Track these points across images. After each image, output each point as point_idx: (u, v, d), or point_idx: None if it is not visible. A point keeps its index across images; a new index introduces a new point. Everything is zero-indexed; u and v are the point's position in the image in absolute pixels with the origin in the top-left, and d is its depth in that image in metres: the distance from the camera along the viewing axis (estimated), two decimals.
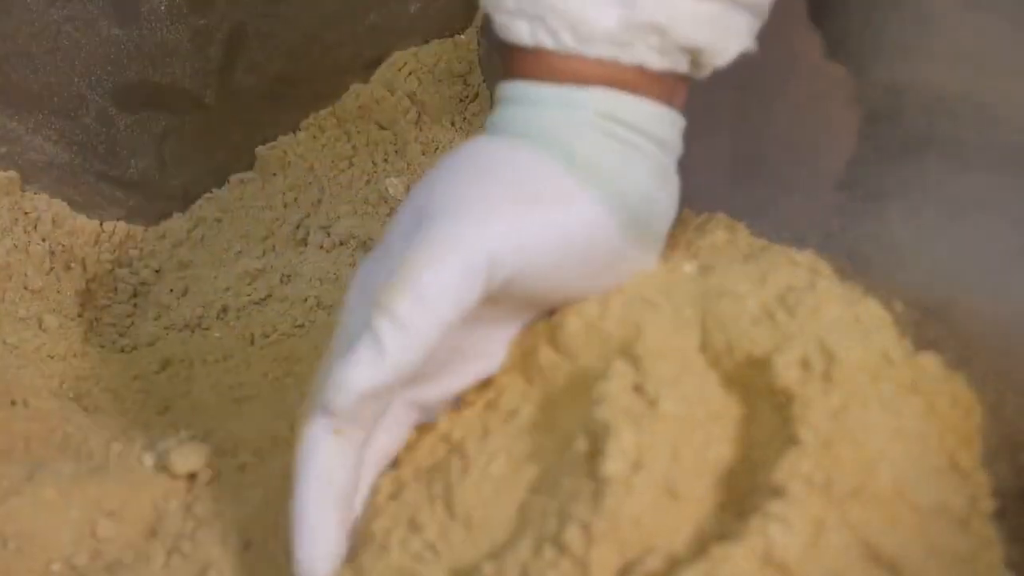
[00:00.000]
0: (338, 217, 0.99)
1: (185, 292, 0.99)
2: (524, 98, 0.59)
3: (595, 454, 0.53)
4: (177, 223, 1.04)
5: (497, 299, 0.57)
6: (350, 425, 0.56)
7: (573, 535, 0.51)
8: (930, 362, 0.57)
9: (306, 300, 0.92)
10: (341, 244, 0.97)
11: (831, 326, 0.56)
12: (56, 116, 0.99)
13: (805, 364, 0.54)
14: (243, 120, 1.05)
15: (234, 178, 1.04)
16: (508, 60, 0.59)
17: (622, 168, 0.57)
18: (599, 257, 0.58)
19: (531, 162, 0.57)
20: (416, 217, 0.56)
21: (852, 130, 0.70)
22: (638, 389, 0.54)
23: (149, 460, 0.71)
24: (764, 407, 0.56)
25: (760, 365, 0.56)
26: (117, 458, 0.72)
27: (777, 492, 0.51)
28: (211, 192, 1.05)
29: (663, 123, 0.59)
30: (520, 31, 0.57)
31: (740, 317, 0.57)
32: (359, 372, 0.54)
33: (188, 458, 0.70)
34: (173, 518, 0.69)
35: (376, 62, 1.06)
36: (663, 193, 0.59)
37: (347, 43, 1.05)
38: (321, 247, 0.97)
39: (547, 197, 0.56)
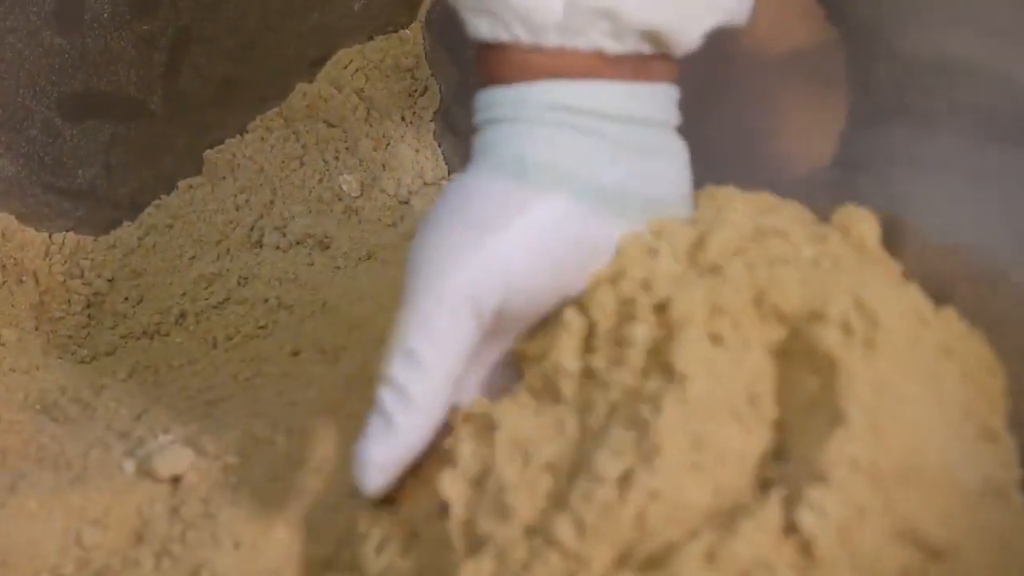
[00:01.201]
0: (292, 217, 0.99)
1: (140, 300, 0.98)
2: (487, 108, 0.60)
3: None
4: (127, 232, 1.03)
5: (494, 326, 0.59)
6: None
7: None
8: (952, 316, 0.59)
9: (266, 301, 0.92)
10: (297, 244, 0.97)
11: (866, 282, 0.57)
12: (1, 129, 0.98)
13: (846, 327, 0.55)
14: (189, 125, 1.04)
15: (183, 183, 1.03)
16: (482, 63, 0.60)
17: (579, 157, 0.58)
18: (580, 248, 0.58)
19: (486, 188, 0.58)
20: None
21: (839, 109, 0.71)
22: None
23: (130, 466, 0.71)
24: (803, 369, 0.56)
25: (799, 323, 0.57)
26: (97, 466, 0.72)
27: (820, 477, 0.51)
28: (160, 199, 1.04)
29: (632, 100, 0.59)
30: (481, 27, 0.58)
31: (783, 274, 0.58)
32: (375, 450, 0.57)
33: (171, 461, 0.70)
34: (159, 522, 0.69)
35: (321, 61, 1.06)
36: (642, 166, 0.59)
37: (291, 43, 1.05)
38: (277, 248, 0.97)
39: (499, 219, 0.57)
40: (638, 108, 0.59)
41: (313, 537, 0.65)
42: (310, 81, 1.05)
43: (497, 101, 0.59)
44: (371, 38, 1.08)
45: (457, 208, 0.58)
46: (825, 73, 0.74)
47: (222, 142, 1.03)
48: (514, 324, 0.60)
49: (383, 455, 0.57)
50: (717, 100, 0.80)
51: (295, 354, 0.84)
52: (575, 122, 0.58)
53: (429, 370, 0.56)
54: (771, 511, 0.51)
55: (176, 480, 0.70)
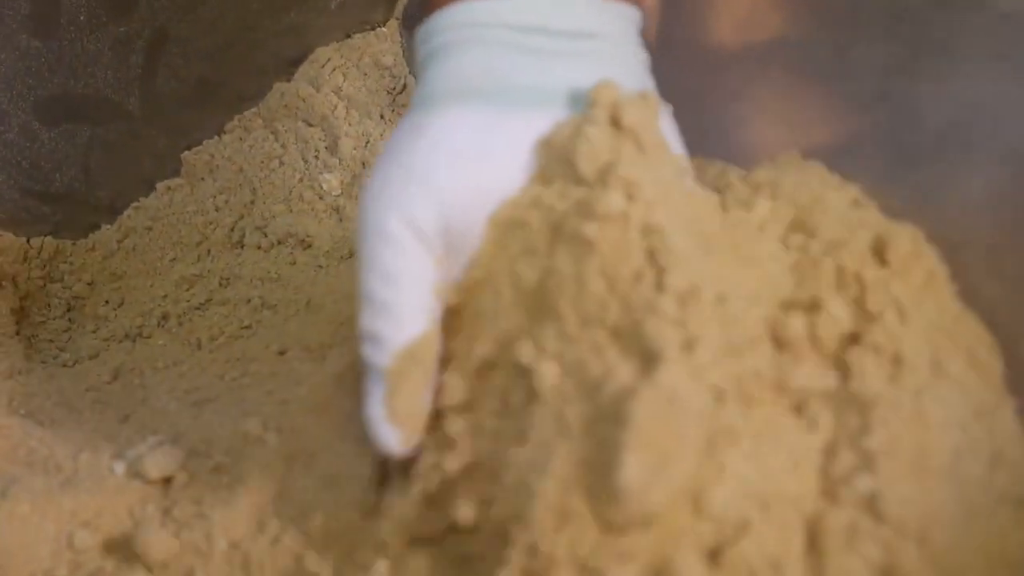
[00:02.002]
0: (273, 217, 0.99)
1: (121, 303, 0.98)
2: (420, 45, 0.61)
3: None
4: (106, 234, 1.03)
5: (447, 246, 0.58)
6: None
7: None
8: (948, 297, 0.61)
9: (249, 301, 0.92)
10: (279, 243, 0.96)
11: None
12: None
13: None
14: (167, 126, 1.04)
15: (161, 185, 1.03)
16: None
17: (487, 67, 0.59)
18: (500, 149, 0.58)
19: (403, 122, 0.60)
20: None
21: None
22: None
23: (120, 468, 0.71)
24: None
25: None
26: (86, 469, 0.72)
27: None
28: (139, 201, 1.04)
29: (556, 11, 0.60)
30: None
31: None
32: (374, 407, 0.58)
33: (161, 463, 0.70)
34: (151, 523, 0.68)
35: (298, 60, 1.06)
36: (569, 69, 0.59)
37: (268, 42, 1.04)
38: (259, 248, 0.97)
39: (412, 144, 0.58)
40: (564, 20, 0.60)
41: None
42: (288, 80, 1.05)
43: (420, 37, 0.61)
44: (348, 36, 1.08)
45: (383, 154, 0.59)
46: (800, 63, 0.74)
47: (200, 143, 1.03)
48: (467, 237, 0.59)
49: (384, 409, 0.57)
50: (691, 92, 0.80)
51: (281, 353, 0.84)
52: (491, 36, 0.59)
53: (393, 309, 0.56)
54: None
55: (167, 481, 0.70)
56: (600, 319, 0.53)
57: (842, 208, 0.64)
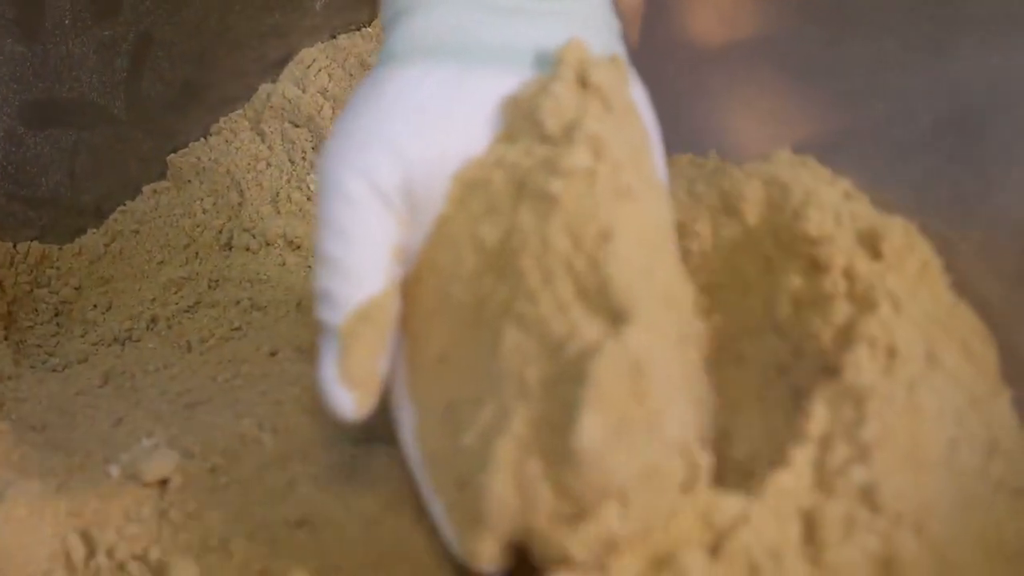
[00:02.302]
0: (261, 218, 0.99)
1: (109, 307, 0.98)
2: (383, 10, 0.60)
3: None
4: (93, 239, 1.03)
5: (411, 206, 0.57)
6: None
7: None
8: (942, 289, 0.61)
9: (239, 303, 0.92)
10: (268, 245, 0.96)
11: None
12: None
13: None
14: (153, 129, 1.04)
15: (148, 189, 1.03)
16: None
17: (450, 25, 0.58)
18: (463, 107, 0.58)
19: (364, 81, 0.59)
20: None
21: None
22: None
23: (115, 471, 0.71)
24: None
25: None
26: (81, 472, 0.72)
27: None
28: (125, 205, 1.04)
29: None
30: None
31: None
32: (327, 369, 0.56)
33: (157, 465, 0.70)
34: (148, 526, 0.68)
35: (284, 61, 1.06)
36: (534, 27, 0.59)
37: (253, 44, 1.04)
38: (247, 249, 0.97)
39: (372, 100, 0.57)
40: None
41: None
42: (273, 81, 1.05)
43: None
44: (334, 36, 1.08)
45: (344, 111, 0.59)
46: (788, 58, 0.74)
47: (186, 146, 1.03)
48: (431, 198, 0.58)
49: (337, 370, 0.55)
50: (680, 89, 0.80)
51: (272, 354, 0.84)
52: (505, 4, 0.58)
53: (349, 268, 0.55)
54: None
55: (163, 483, 0.70)
56: (565, 277, 0.52)
57: (835, 202, 0.64)
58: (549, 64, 0.57)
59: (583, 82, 0.56)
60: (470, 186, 0.57)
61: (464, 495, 0.53)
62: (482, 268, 0.55)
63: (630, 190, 0.54)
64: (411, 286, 0.58)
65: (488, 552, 0.51)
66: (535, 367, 0.51)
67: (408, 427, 0.58)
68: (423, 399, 0.57)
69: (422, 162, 0.56)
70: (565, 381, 0.50)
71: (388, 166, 0.55)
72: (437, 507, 0.55)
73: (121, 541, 0.67)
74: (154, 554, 0.67)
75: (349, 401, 0.56)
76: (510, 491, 0.50)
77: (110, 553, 0.67)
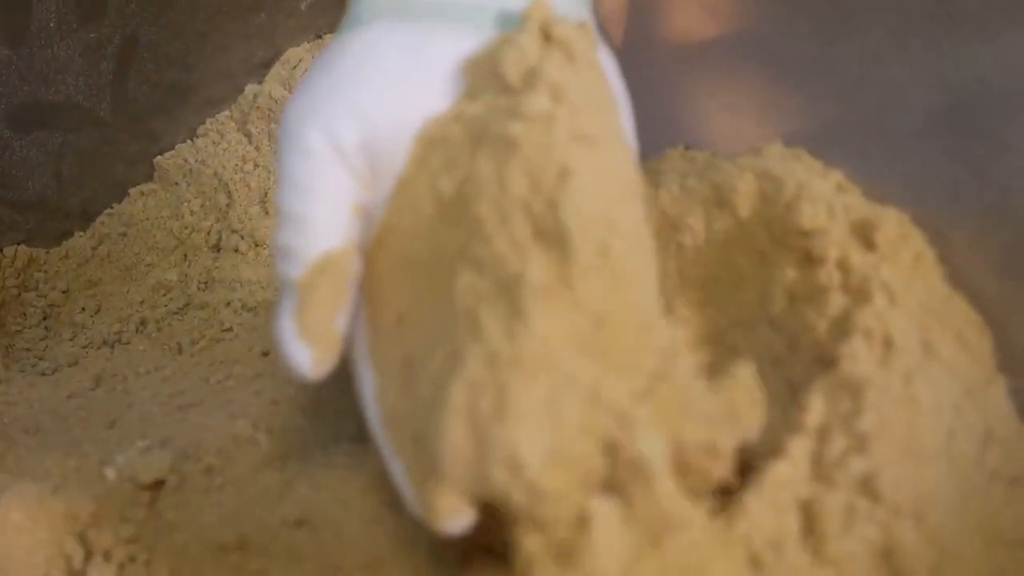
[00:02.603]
0: (250, 219, 0.98)
1: (98, 310, 0.97)
2: None
3: None
4: (80, 242, 1.03)
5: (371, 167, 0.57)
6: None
7: None
8: (937, 281, 0.61)
9: (229, 304, 0.91)
10: (257, 246, 0.96)
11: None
12: None
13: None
14: (139, 131, 1.03)
15: (135, 191, 1.03)
16: None
17: (475, 3, 0.58)
18: (423, 65, 0.58)
19: (331, 42, 0.59)
20: None
21: None
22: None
23: (111, 473, 0.71)
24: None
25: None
26: (77, 475, 0.71)
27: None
28: (112, 207, 1.03)
29: None
30: None
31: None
32: (286, 323, 0.55)
33: (152, 466, 0.70)
34: (144, 527, 0.68)
35: (269, 62, 1.06)
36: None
37: (238, 45, 1.04)
38: (236, 251, 0.96)
39: (334, 58, 0.57)
40: None
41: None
42: (259, 82, 1.05)
43: None
44: (319, 36, 1.08)
45: (308, 71, 0.59)
46: (779, 51, 0.74)
47: (173, 147, 1.03)
48: (393, 158, 0.57)
49: (294, 323, 0.55)
50: (649, 85, 0.80)
51: (265, 354, 0.84)
52: None
53: (308, 224, 0.55)
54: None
55: (158, 484, 0.70)
56: (521, 219, 0.51)
57: (827, 194, 0.65)
58: (514, 26, 0.57)
59: (547, 36, 0.56)
60: (430, 144, 0.56)
61: (421, 449, 0.52)
62: (440, 221, 0.55)
63: (591, 137, 0.53)
64: (373, 251, 0.58)
65: (446, 506, 0.51)
66: (488, 306, 0.51)
67: (369, 392, 0.57)
68: (382, 361, 0.56)
69: (384, 122, 0.56)
70: (518, 318, 0.50)
71: (349, 125, 0.55)
72: (397, 468, 0.55)
73: (118, 543, 0.67)
74: (150, 556, 0.67)
75: (306, 358, 0.55)
76: (464, 436, 0.49)
77: (107, 555, 0.67)
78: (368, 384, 0.57)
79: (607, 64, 0.61)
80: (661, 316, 0.55)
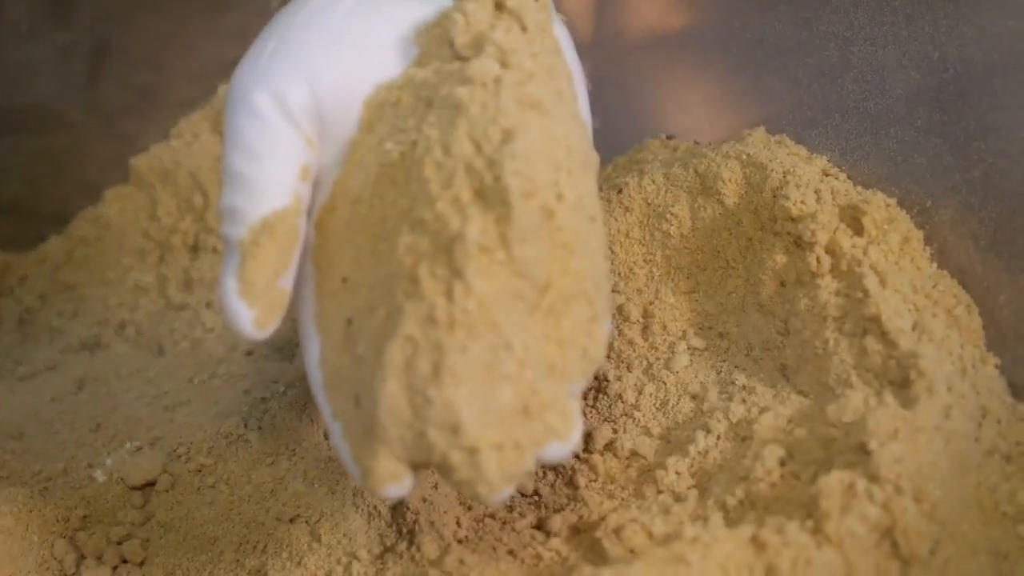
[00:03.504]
0: None
1: (75, 314, 0.97)
2: None
3: None
4: (55, 245, 1.02)
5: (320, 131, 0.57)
6: None
7: None
8: (923, 260, 0.62)
9: (209, 305, 0.91)
10: None
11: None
12: None
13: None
14: (113, 134, 1.03)
15: (109, 193, 1.01)
16: None
17: None
18: (374, 28, 0.58)
19: (321, 1, 0.58)
20: None
21: None
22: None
23: (100, 476, 0.70)
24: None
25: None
26: (64, 477, 0.71)
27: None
28: (87, 210, 1.02)
29: None
30: None
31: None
32: (230, 281, 0.54)
33: (143, 467, 0.70)
34: (136, 528, 0.68)
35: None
36: None
37: (210, 45, 1.04)
38: (214, 251, 0.96)
39: (286, 20, 0.57)
40: None
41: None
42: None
43: None
44: None
45: (260, 34, 0.58)
46: (759, 37, 0.74)
47: (147, 149, 1.02)
48: (343, 122, 0.57)
49: (237, 281, 0.54)
50: (627, 77, 0.81)
51: (249, 354, 0.84)
52: None
53: (254, 184, 0.54)
54: None
55: (150, 485, 0.70)
56: (463, 179, 0.51)
57: (814, 179, 0.65)
58: None
59: (499, 5, 0.56)
60: (379, 108, 0.56)
61: (360, 410, 0.52)
62: (385, 184, 0.55)
63: (539, 103, 0.53)
64: (324, 217, 0.57)
65: (384, 469, 0.50)
66: (427, 265, 0.50)
67: (312, 358, 0.56)
68: (325, 324, 0.56)
69: (332, 84, 0.56)
70: (455, 277, 0.50)
71: (296, 85, 0.55)
72: (337, 431, 0.54)
73: (110, 545, 0.67)
74: (145, 557, 0.67)
75: (248, 317, 0.54)
76: (402, 396, 0.50)
77: (99, 557, 0.67)
78: (312, 350, 0.56)
79: (563, 38, 0.61)
80: (610, 294, 0.55)
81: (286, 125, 0.55)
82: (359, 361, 0.52)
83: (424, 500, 0.64)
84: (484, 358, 0.49)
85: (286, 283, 0.56)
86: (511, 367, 0.50)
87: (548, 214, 0.51)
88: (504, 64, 0.54)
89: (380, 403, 0.50)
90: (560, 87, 0.56)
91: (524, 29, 0.56)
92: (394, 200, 0.54)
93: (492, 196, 0.50)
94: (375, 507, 0.65)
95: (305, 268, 0.57)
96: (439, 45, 0.57)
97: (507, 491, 0.50)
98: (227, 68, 1.03)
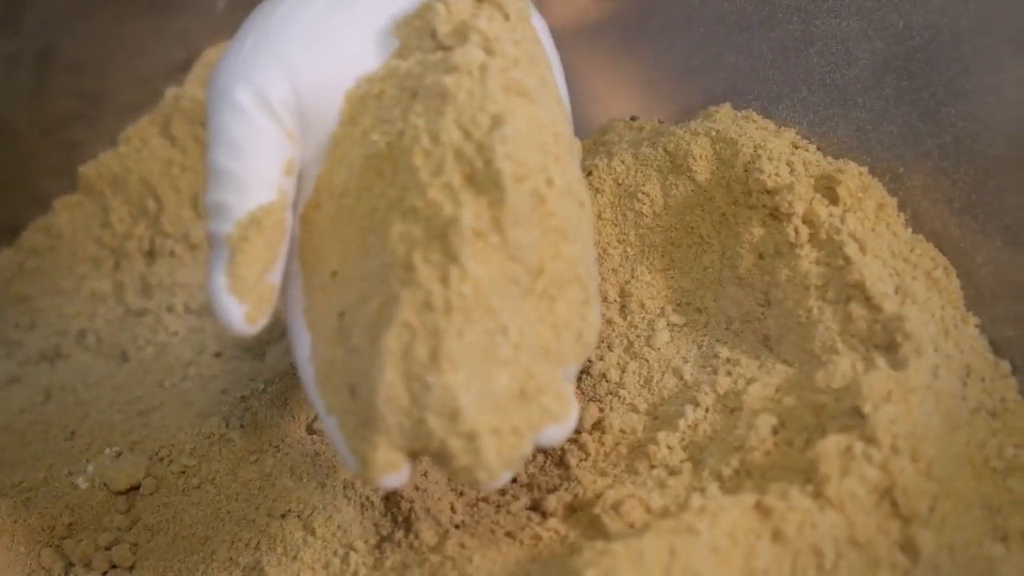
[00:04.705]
0: (183, 222, 0.97)
1: (32, 325, 0.95)
2: None
3: None
4: (6, 257, 1.01)
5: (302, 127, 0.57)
6: None
7: None
8: (899, 226, 0.63)
9: (171, 309, 0.90)
10: (193, 248, 0.95)
11: None
12: None
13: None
14: (60, 142, 1.02)
15: (59, 202, 1.00)
16: None
17: None
18: (353, 25, 0.58)
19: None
20: None
21: None
22: None
23: (83, 482, 0.70)
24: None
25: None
26: (47, 486, 0.71)
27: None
28: (36, 220, 1.01)
29: None
30: None
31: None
32: (218, 277, 0.54)
33: (126, 472, 0.69)
34: (123, 533, 0.68)
35: (188, 64, 1.04)
36: None
37: (156, 49, 1.03)
38: (172, 255, 0.95)
39: (264, 17, 0.58)
40: None
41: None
42: (179, 85, 1.04)
43: None
44: None
45: (239, 29, 0.59)
46: (720, 14, 0.75)
47: (96, 156, 1.01)
48: (324, 116, 0.57)
49: (226, 277, 0.54)
50: (588, 61, 0.81)
51: (218, 355, 0.83)
52: None
53: (239, 180, 0.55)
54: None
55: (134, 489, 0.69)
56: (453, 165, 0.52)
57: (785, 152, 0.66)
58: None
59: None
60: (361, 101, 0.57)
61: (356, 401, 0.52)
62: (372, 176, 0.55)
63: (526, 90, 0.54)
64: (309, 213, 0.58)
65: (382, 458, 0.51)
66: (422, 252, 0.51)
67: (303, 354, 0.56)
68: (316, 319, 0.56)
69: (313, 78, 0.56)
70: (455, 261, 0.50)
71: (277, 79, 0.55)
72: (331, 425, 0.54)
73: (97, 551, 0.67)
74: (133, 561, 0.67)
75: (239, 312, 0.54)
76: (399, 383, 0.50)
77: (88, 564, 0.66)
78: (303, 346, 0.57)
79: (540, 27, 0.62)
80: (598, 280, 0.56)
81: (268, 120, 0.55)
82: (354, 352, 0.53)
83: (417, 488, 0.64)
84: (481, 342, 0.50)
85: (275, 278, 0.56)
86: (507, 351, 0.50)
87: (540, 199, 0.51)
88: (489, 52, 0.54)
89: (378, 391, 0.50)
90: (543, 74, 0.57)
91: (506, 17, 0.56)
92: (382, 191, 0.54)
93: (484, 181, 0.51)
94: (367, 498, 0.65)
95: (291, 265, 0.58)
96: (420, 36, 0.57)
97: (506, 477, 0.51)
98: (174, 71, 1.04)
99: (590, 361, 0.68)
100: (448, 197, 0.51)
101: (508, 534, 0.60)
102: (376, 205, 0.54)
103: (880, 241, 0.62)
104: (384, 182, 0.54)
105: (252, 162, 0.55)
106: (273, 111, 0.55)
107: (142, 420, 0.76)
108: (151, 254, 0.97)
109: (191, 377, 0.81)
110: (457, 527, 0.62)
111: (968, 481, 0.56)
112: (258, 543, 0.64)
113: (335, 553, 0.62)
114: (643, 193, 0.70)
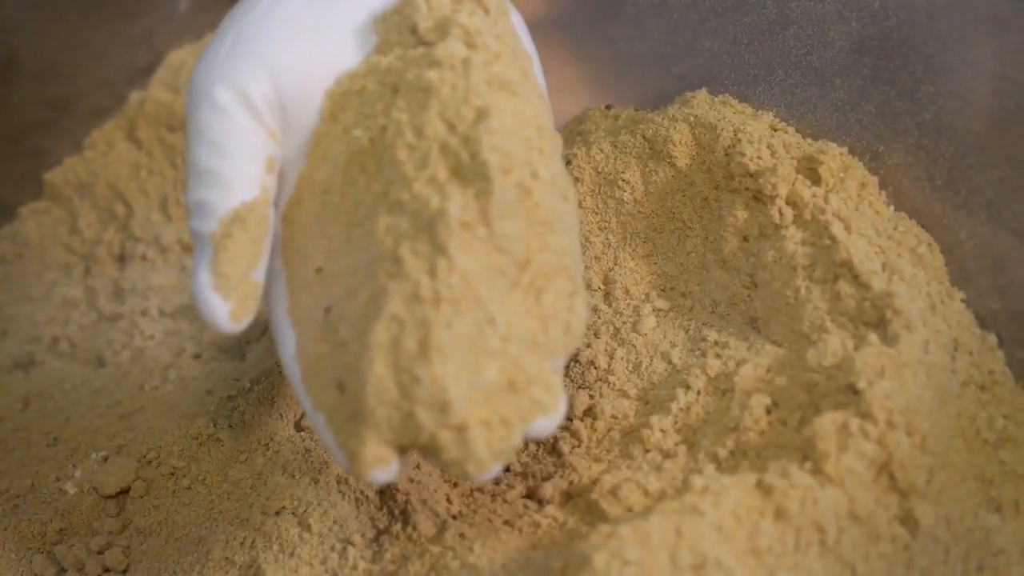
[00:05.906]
0: (152, 226, 0.97)
1: (3, 334, 0.94)
2: None
3: None
4: None
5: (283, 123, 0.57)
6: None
7: None
8: (882, 205, 0.64)
9: (145, 313, 0.90)
10: (164, 251, 0.94)
11: None
12: None
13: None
14: (23, 149, 1.01)
15: (25, 210, 1.00)
16: None
17: None
18: (332, 17, 0.58)
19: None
20: None
21: None
22: None
23: (71, 488, 0.70)
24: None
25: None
26: (34, 493, 0.70)
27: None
28: (3, 229, 1.00)
29: None
30: None
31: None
32: (202, 275, 0.55)
33: (115, 475, 0.69)
34: (115, 536, 0.67)
35: (152, 67, 1.04)
36: None
37: (117, 52, 1.02)
38: (143, 259, 0.95)
39: (240, 14, 0.58)
40: None
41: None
42: (144, 88, 1.03)
43: None
44: (200, 37, 1.06)
45: (218, 28, 0.58)
46: (677, 3, 0.75)
47: (61, 162, 1.00)
48: (305, 113, 0.58)
49: (211, 275, 0.54)
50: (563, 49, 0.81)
51: (197, 356, 0.83)
52: None
53: (221, 178, 0.55)
54: None
55: (124, 493, 0.69)
56: (439, 159, 0.52)
57: (765, 135, 0.66)
58: None
59: None
60: (342, 98, 0.57)
61: (344, 395, 0.52)
62: (356, 171, 0.55)
63: (508, 83, 0.54)
64: (291, 211, 0.58)
65: (371, 453, 0.51)
66: (409, 244, 0.51)
67: (289, 352, 0.56)
68: (301, 316, 0.56)
69: (293, 73, 0.56)
70: (441, 253, 0.50)
71: (258, 78, 0.55)
72: (319, 422, 0.54)
73: (90, 556, 0.66)
74: (127, 564, 0.66)
75: (224, 310, 0.55)
76: (388, 376, 0.50)
77: (80, 569, 0.66)
78: (288, 344, 0.57)
79: (517, 22, 0.62)
80: (583, 272, 0.56)
81: (249, 119, 0.55)
82: (341, 347, 0.53)
83: (412, 480, 0.64)
84: (469, 334, 0.50)
85: (258, 275, 0.56)
86: (496, 343, 0.50)
87: (525, 191, 0.52)
88: (471, 46, 0.55)
89: (367, 385, 0.50)
90: (524, 67, 0.57)
91: (487, 11, 0.57)
92: (367, 186, 0.54)
93: (470, 173, 0.51)
94: (362, 492, 0.65)
95: (273, 264, 0.58)
96: (399, 32, 0.57)
97: (496, 469, 0.51)
98: (137, 75, 1.03)
99: (578, 349, 0.68)
100: (434, 190, 0.51)
101: (506, 523, 0.60)
102: (360, 200, 0.54)
103: (864, 220, 0.63)
104: (368, 177, 0.55)
105: (234, 160, 0.55)
106: (254, 109, 0.55)
107: (125, 424, 0.76)
108: (122, 258, 0.96)
109: (172, 380, 0.81)
110: (455, 518, 0.62)
111: (961, 453, 0.57)
112: (253, 541, 0.64)
113: (332, 548, 0.62)
114: (623, 180, 0.71)
